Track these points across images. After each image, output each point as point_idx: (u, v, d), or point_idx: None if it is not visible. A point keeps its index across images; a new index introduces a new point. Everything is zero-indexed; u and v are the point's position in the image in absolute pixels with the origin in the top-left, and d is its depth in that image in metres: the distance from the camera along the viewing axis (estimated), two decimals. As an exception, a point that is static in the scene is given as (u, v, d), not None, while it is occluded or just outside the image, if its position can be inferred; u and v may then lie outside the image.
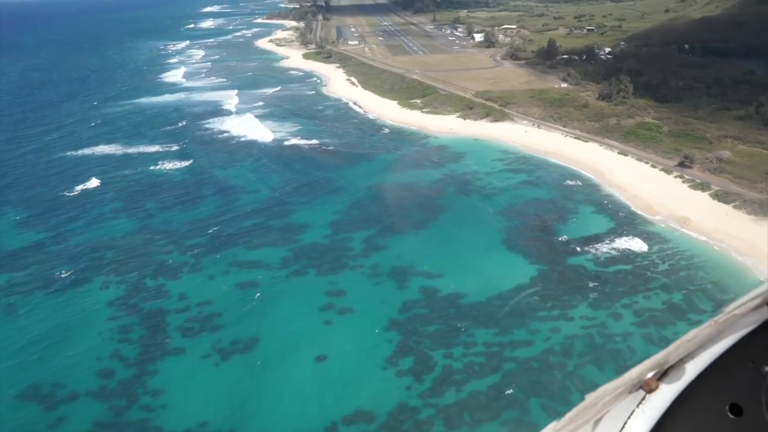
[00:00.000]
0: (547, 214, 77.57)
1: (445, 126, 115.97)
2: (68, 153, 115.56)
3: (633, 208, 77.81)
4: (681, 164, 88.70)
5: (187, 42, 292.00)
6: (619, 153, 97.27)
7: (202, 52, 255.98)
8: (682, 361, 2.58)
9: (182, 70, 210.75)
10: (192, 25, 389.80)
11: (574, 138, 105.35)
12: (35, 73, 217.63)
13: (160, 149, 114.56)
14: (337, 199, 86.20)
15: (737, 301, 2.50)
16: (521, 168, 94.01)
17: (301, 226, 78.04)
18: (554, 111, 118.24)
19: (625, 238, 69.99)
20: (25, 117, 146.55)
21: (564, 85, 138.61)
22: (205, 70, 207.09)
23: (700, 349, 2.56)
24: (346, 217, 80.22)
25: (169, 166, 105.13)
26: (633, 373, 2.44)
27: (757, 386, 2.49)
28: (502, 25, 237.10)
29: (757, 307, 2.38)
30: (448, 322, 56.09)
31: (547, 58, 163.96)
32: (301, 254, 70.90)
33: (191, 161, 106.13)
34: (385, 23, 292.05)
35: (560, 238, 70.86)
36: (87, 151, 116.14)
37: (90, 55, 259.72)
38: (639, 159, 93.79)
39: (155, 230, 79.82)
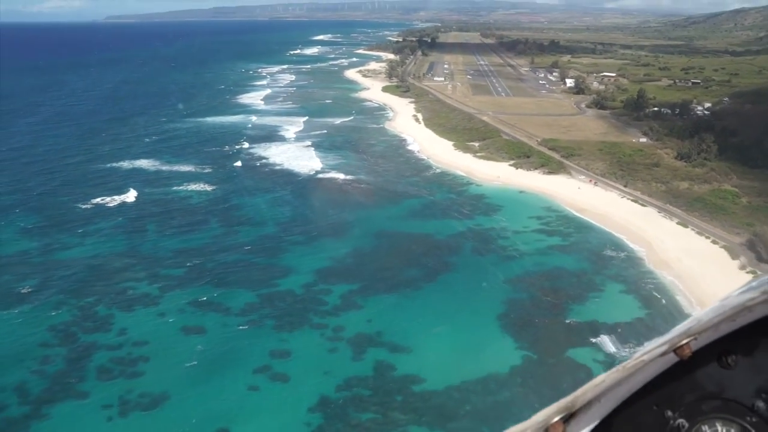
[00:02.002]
0: (565, 289, 65.54)
1: (493, 173, 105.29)
2: (107, 165, 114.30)
3: (674, 294, 64.32)
4: (749, 244, 74.10)
5: (283, 66, 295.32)
6: (678, 223, 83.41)
7: (291, 77, 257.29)
8: (588, 405, 2.61)
9: (264, 92, 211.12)
10: (297, 51, 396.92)
11: (631, 200, 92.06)
12: (126, 86, 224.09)
13: (194, 170, 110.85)
14: (338, 243, 77.65)
15: (646, 346, 2.55)
16: (558, 230, 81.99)
17: (284, 270, 70.18)
18: (620, 167, 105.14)
19: (649, 332, 57.03)
20: (94, 128, 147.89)
21: (643, 139, 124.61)
22: (285, 95, 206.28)
23: (607, 393, 2.61)
24: (338, 265, 71.45)
25: (192, 187, 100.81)
26: (539, 417, 2.48)
27: (660, 429, 2.62)
28: (602, 72, 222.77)
29: (663, 354, 2.48)
30: (387, 413, 45.91)
31: (634, 109, 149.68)
32: (267, 302, 62.88)
33: (216, 186, 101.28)
34: (482, 62, 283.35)
35: (568, 321, 58.85)
36: (126, 164, 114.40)
37: (185, 73, 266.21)
38: (700, 232, 79.70)
39: (139, 254, 75.18)
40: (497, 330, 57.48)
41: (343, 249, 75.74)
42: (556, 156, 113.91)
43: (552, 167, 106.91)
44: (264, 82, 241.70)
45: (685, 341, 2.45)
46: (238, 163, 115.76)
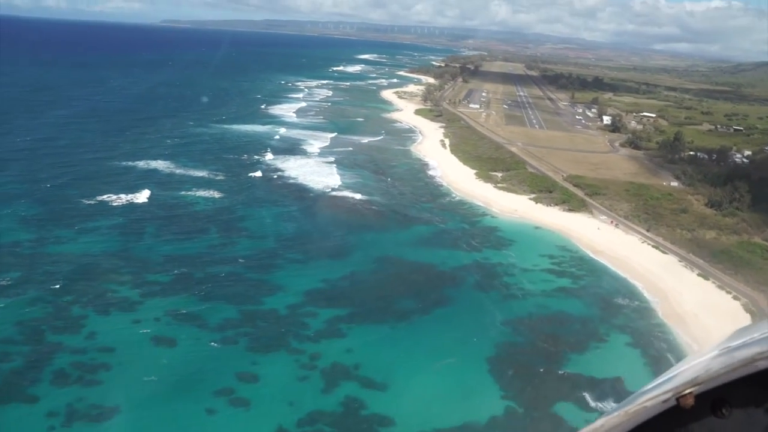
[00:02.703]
0: (566, 336, 61.00)
1: (511, 206, 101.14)
2: (123, 163, 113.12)
3: (684, 353, 59.21)
4: (773, 306, 68.76)
5: (322, 81, 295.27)
6: (699, 274, 78.15)
7: (328, 92, 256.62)
8: None
9: (297, 105, 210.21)
10: (340, 68, 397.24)
11: (652, 246, 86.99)
12: (162, 88, 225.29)
13: (208, 176, 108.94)
14: (336, 265, 74.35)
15: (649, 391, 2.60)
16: (569, 271, 77.41)
17: (274, 287, 67.07)
18: (645, 210, 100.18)
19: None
20: (121, 126, 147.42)
21: (674, 183, 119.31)
22: (318, 109, 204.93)
23: None
24: (331, 288, 68.08)
25: (201, 193, 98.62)
26: None
27: None
28: (642, 112, 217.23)
29: (666, 401, 2.50)
30: (346, 455, 42.12)
31: (669, 152, 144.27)
32: (248, 320, 59.74)
33: (225, 194, 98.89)
34: (521, 93, 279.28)
35: (562, 372, 54.28)
36: (142, 164, 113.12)
37: (224, 80, 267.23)
38: (722, 286, 74.37)
39: (130, 257, 72.86)
40: (484, 375, 53.21)
41: (339, 271, 72.38)
42: (580, 193, 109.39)
43: (573, 204, 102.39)
44: (300, 95, 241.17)
45: (689, 390, 2.46)
46: (254, 174, 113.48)
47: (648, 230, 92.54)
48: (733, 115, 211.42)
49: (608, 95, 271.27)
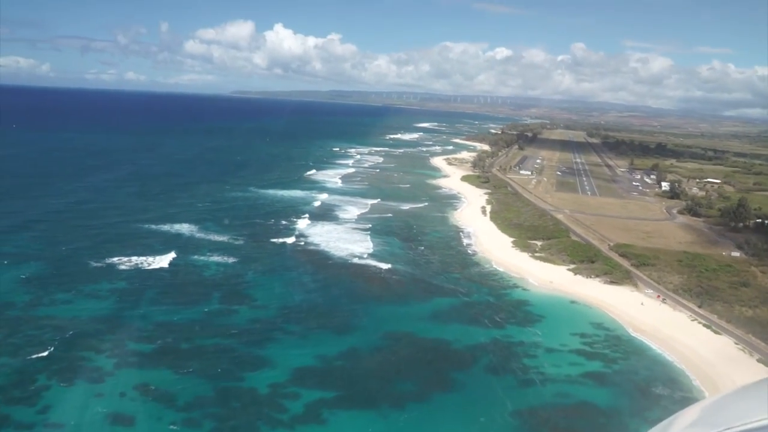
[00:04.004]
0: (585, 432, 51.96)
1: (547, 278, 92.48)
2: (146, 226, 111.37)
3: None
4: None
5: (375, 149, 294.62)
6: (759, 360, 67.61)
7: (379, 159, 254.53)
8: None
9: (344, 171, 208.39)
10: (396, 136, 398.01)
11: (704, 325, 76.64)
12: (211, 153, 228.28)
13: (227, 240, 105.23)
14: (336, 340, 67.61)
15: None
16: (602, 353, 68.09)
17: (260, 363, 60.95)
18: (698, 284, 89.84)
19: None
20: (158, 190, 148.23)
21: (735, 254, 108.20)
22: (364, 176, 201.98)
23: None
24: (323, 366, 61.20)
25: (214, 258, 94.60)
26: None
27: None
28: (706, 178, 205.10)
29: None
30: None
31: (732, 219, 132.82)
32: (221, 399, 53.80)
33: (239, 260, 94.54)
34: (578, 160, 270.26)
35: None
36: (166, 228, 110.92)
37: (275, 146, 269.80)
38: (784, 379, 63.44)
39: (118, 322, 69.47)
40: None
41: (339, 347, 65.46)
42: (626, 264, 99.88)
43: (616, 276, 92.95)
44: (349, 162, 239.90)
45: None
46: (277, 239, 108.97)
47: (700, 306, 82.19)
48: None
49: (670, 161, 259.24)
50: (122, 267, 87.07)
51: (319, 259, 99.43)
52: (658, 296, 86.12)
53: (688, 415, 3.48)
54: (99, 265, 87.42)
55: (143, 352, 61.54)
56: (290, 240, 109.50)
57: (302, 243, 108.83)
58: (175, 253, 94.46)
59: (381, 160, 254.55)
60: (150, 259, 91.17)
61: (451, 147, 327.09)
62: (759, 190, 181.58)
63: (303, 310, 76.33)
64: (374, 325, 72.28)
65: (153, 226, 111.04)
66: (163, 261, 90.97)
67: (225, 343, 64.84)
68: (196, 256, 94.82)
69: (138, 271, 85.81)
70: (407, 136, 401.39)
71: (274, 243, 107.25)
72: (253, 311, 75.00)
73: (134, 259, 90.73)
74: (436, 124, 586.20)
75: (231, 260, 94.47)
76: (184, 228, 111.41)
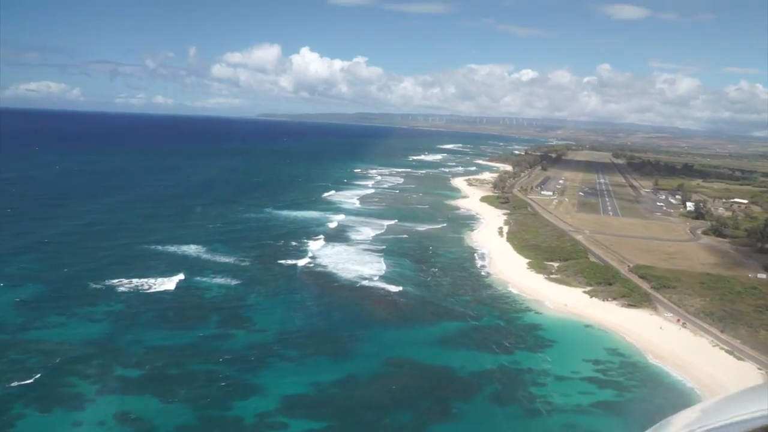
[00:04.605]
0: (594, 468, 48.11)
1: (561, 300, 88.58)
2: (153, 247, 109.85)
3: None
4: None
5: (397, 170, 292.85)
6: (785, 392, 62.85)
7: (399, 180, 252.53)
8: None
9: (363, 192, 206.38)
10: (420, 157, 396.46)
11: (726, 351, 72.12)
12: (228, 174, 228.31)
13: (233, 262, 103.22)
14: (333, 366, 64.52)
15: None
16: (615, 380, 64.04)
17: (250, 390, 58.28)
18: (721, 306, 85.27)
19: None
20: (170, 211, 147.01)
21: (762, 275, 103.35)
22: (383, 197, 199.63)
23: None
24: (317, 394, 58.19)
25: (217, 280, 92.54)
26: None
27: None
28: (733, 198, 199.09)
29: None
30: None
31: (759, 240, 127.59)
32: (203, 428, 50.96)
33: (243, 282, 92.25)
34: (602, 181, 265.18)
35: None
36: (173, 249, 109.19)
37: (295, 167, 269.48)
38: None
39: (109, 346, 67.30)
40: None
41: (334, 374, 62.34)
42: (645, 286, 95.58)
43: (635, 299, 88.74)
44: (370, 183, 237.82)
45: None
46: (285, 261, 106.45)
47: (722, 331, 77.65)
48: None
49: (696, 182, 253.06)
50: (121, 289, 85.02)
51: (327, 282, 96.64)
52: (678, 320, 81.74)
53: (685, 415, 3.49)
54: (98, 287, 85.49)
55: (130, 378, 59.12)
56: (299, 262, 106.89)
57: (311, 265, 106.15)
58: (178, 275, 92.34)
59: (401, 181, 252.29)
60: (151, 281, 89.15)
61: (473, 168, 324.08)
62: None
63: (303, 334, 73.42)
64: (376, 351, 69.11)
65: (160, 248, 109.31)
66: (164, 283, 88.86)
67: (216, 369, 62.14)
68: (198, 278, 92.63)
69: (137, 294, 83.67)
70: (430, 158, 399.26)
71: (281, 265, 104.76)
72: (251, 335, 72.29)
73: (135, 281, 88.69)
74: (460, 145, 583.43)
75: (234, 282, 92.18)
76: (191, 249, 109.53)
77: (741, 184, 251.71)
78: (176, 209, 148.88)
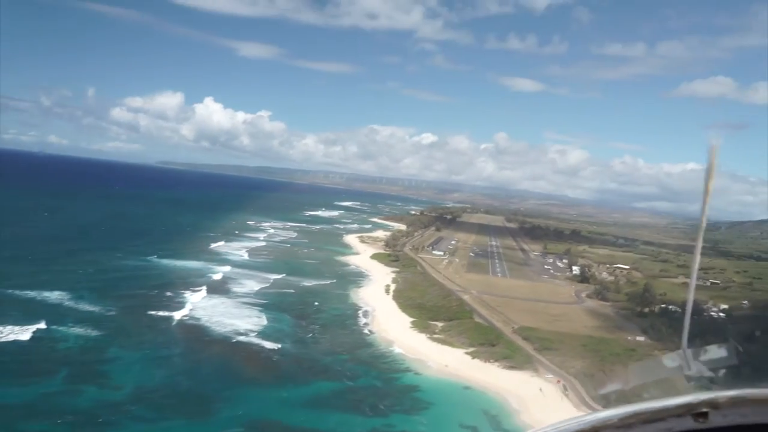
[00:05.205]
0: None
1: (443, 361, 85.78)
2: (9, 291, 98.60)
3: None
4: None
5: (291, 224, 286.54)
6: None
7: (292, 234, 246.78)
8: None
9: (253, 244, 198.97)
10: (316, 212, 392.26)
11: (603, 407, 70.99)
12: (113, 220, 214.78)
13: (98, 311, 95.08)
14: (189, 430, 58.18)
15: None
16: (491, 446, 61.25)
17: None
18: (600, 368, 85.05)
19: None
20: (40, 255, 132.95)
21: (641, 338, 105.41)
22: (273, 250, 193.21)
23: None
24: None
25: (75, 330, 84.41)
26: None
27: None
28: (616, 263, 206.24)
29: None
30: None
31: (638, 304, 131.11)
32: None
33: (105, 333, 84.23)
34: (493, 243, 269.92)
35: None
36: (32, 293, 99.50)
37: (186, 216, 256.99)
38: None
39: None
40: None
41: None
42: (528, 348, 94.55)
43: (516, 361, 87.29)
44: (261, 236, 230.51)
45: None
46: (156, 312, 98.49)
47: (596, 389, 76.94)
48: (710, 269, 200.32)
49: (583, 247, 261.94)
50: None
51: (199, 336, 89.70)
52: (558, 380, 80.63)
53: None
54: None
55: None
56: (172, 314, 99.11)
57: (185, 317, 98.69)
58: (34, 324, 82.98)
59: (295, 235, 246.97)
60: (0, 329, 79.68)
61: (369, 226, 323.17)
62: (665, 276, 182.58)
63: (162, 393, 66.52)
64: (240, 412, 63.21)
65: (18, 293, 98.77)
66: (15, 332, 79.16)
67: (49, 430, 54.60)
68: (56, 327, 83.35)
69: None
70: (327, 214, 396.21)
71: (152, 316, 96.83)
72: (103, 392, 64.77)
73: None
74: (358, 203, 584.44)
75: (96, 333, 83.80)
76: (54, 296, 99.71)
77: (624, 251, 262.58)
78: (46, 253, 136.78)
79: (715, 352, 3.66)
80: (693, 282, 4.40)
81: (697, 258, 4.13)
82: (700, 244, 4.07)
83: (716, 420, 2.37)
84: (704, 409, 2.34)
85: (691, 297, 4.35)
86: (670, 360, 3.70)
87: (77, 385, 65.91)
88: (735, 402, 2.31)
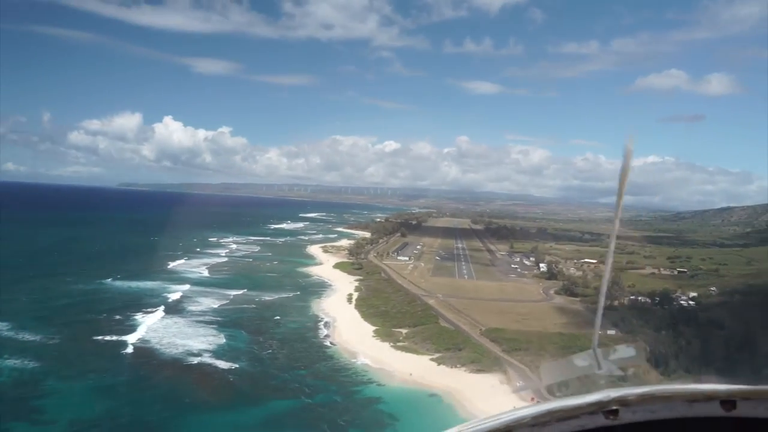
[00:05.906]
0: None
1: (406, 369, 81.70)
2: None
3: None
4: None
5: (253, 238, 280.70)
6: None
7: (255, 248, 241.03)
8: None
9: (214, 261, 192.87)
10: (280, 225, 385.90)
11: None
12: (68, 243, 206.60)
13: (39, 339, 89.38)
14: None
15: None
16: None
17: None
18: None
19: None
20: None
21: (611, 332, 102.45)
22: (234, 265, 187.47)
23: None
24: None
25: (12, 361, 78.62)
26: None
27: None
28: (583, 258, 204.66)
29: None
30: None
31: (608, 298, 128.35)
32: None
33: (45, 362, 78.76)
34: (459, 245, 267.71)
35: None
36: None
37: (143, 237, 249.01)
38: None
39: None
40: None
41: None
42: (497, 350, 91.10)
43: (484, 364, 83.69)
44: (223, 251, 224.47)
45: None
46: (103, 338, 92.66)
47: (567, 387, 73.53)
48: (676, 258, 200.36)
49: (550, 244, 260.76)
50: None
51: (149, 360, 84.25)
52: (533, 398, 77.07)
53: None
54: None
55: None
56: (121, 338, 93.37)
57: (135, 341, 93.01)
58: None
59: (257, 249, 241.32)
60: None
61: (334, 235, 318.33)
62: (632, 268, 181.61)
63: (100, 425, 61.37)
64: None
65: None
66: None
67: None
68: (-6, 359, 77.89)
69: None
70: (291, 226, 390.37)
71: (98, 342, 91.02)
72: (33, 428, 59.46)
73: None
74: (324, 214, 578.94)
75: (33, 364, 78.00)
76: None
77: (590, 246, 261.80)
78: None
79: (624, 351, 3.82)
80: (607, 276, 4.33)
81: (612, 251, 4.21)
82: (614, 240, 4.16)
83: (626, 416, 2.45)
84: (615, 407, 2.41)
85: (603, 289, 4.18)
86: (581, 359, 3.84)
87: (5, 423, 60.39)
88: (644, 399, 2.41)
